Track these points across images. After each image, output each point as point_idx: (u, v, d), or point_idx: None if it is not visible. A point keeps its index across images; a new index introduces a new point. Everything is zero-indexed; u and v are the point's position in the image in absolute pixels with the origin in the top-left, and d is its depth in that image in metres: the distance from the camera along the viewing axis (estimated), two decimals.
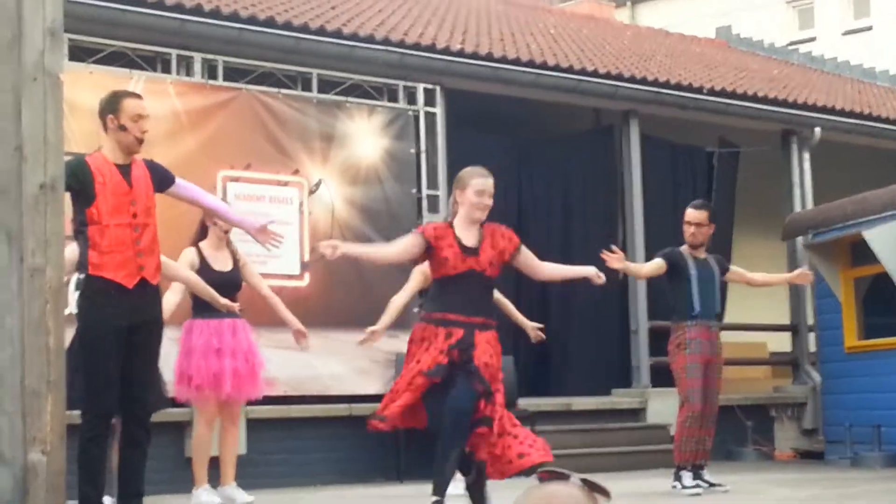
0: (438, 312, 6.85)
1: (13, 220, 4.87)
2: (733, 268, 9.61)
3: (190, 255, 8.30)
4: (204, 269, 8.25)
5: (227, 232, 8.48)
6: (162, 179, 6.65)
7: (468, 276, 6.86)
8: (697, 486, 8.93)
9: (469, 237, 6.92)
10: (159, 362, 6.89)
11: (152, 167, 6.65)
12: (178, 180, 6.75)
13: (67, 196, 5.79)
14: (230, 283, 8.36)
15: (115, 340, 6.36)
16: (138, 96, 6.75)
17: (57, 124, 4.98)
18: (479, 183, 6.96)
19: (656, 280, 13.80)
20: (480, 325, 6.83)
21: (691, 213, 9.34)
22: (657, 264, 9.29)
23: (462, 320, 6.80)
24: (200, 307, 8.26)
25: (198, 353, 8.15)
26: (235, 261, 8.47)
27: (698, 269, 9.17)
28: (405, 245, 7.01)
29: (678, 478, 9.04)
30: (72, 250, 6.77)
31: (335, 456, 10.85)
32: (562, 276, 7.64)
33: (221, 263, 8.38)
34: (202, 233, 8.43)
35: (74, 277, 6.88)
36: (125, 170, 6.53)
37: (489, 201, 6.95)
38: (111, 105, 6.50)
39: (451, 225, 6.94)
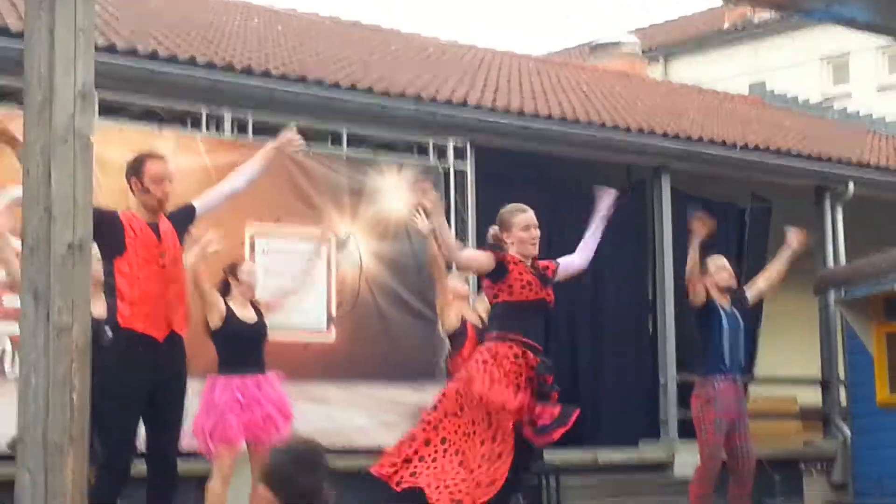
0: (513, 333, 6.94)
1: (41, 278, 4.95)
2: (748, 290, 9.55)
3: (219, 299, 8.32)
4: (230, 319, 8.29)
5: (251, 289, 8.54)
6: (184, 220, 6.78)
7: (538, 304, 7.02)
8: None
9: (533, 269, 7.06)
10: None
11: (172, 217, 6.76)
12: (197, 206, 6.86)
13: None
14: (257, 333, 8.42)
15: (137, 398, 6.40)
16: (161, 158, 6.86)
17: (86, 185, 5.07)
18: (522, 219, 7.09)
19: (685, 332, 13.83)
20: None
21: (722, 259, 9.33)
22: (703, 290, 9.19)
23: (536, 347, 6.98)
24: (225, 361, 8.30)
25: (220, 410, 8.14)
26: (259, 313, 8.50)
27: (728, 319, 9.14)
28: (477, 255, 7.08)
29: None
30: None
31: None
32: (590, 244, 7.58)
33: (247, 315, 8.42)
34: (225, 288, 8.45)
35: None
36: (154, 227, 6.65)
37: (537, 232, 7.08)
38: (134, 168, 6.64)
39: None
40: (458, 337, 8.95)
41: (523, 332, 6.91)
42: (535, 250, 7.08)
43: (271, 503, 3.74)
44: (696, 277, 9.08)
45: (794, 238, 9.52)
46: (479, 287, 8.80)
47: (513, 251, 7.05)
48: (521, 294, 6.96)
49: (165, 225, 6.73)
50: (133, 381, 6.37)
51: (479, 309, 9.01)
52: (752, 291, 9.55)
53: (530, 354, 6.90)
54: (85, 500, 4.90)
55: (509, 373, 6.84)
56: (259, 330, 8.45)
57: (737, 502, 9.22)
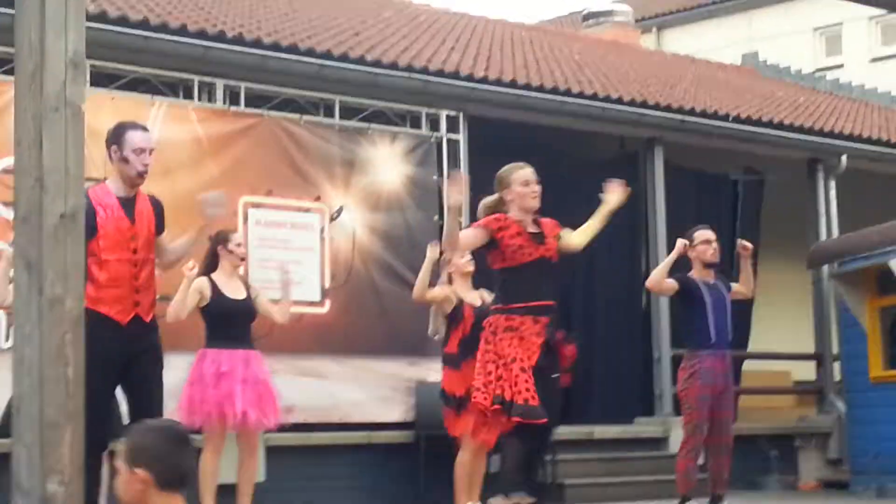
0: (514, 302, 6.90)
1: (33, 250, 4.87)
2: (733, 285, 9.52)
3: (200, 283, 8.20)
4: (217, 298, 8.21)
5: (243, 259, 8.45)
6: (159, 227, 6.63)
7: (539, 264, 6.97)
8: None
9: (531, 226, 7.02)
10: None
11: (158, 210, 6.61)
12: (161, 238, 6.70)
13: None
14: (245, 311, 8.34)
15: (105, 374, 6.24)
16: (144, 128, 6.68)
17: (78, 155, 4.98)
18: (521, 174, 7.09)
19: (678, 307, 13.80)
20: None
21: (708, 233, 9.25)
22: (671, 284, 9.14)
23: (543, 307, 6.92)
24: (213, 336, 8.23)
25: (206, 380, 8.08)
26: (248, 289, 8.43)
27: (711, 295, 9.08)
28: (470, 237, 7.08)
29: None
30: None
31: (354, 484, 10.80)
32: (592, 231, 7.41)
33: (234, 292, 8.33)
34: (213, 264, 8.36)
35: None
36: (129, 203, 6.47)
37: (538, 187, 7.06)
38: (115, 136, 6.46)
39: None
40: (454, 318, 8.87)
41: (525, 297, 6.87)
42: (536, 203, 7.08)
43: (146, 482, 3.71)
44: (655, 285, 9.10)
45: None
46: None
47: (514, 209, 7.02)
48: (514, 258, 6.94)
49: (143, 204, 6.55)
50: (96, 358, 6.21)
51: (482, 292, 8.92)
52: (734, 291, 9.50)
53: (530, 321, 6.85)
54: (82, 476, 4.82)
55: (508, 347, 6.81)
56: (247, 307, 8.37)
57: (715, 477, 9.20)
